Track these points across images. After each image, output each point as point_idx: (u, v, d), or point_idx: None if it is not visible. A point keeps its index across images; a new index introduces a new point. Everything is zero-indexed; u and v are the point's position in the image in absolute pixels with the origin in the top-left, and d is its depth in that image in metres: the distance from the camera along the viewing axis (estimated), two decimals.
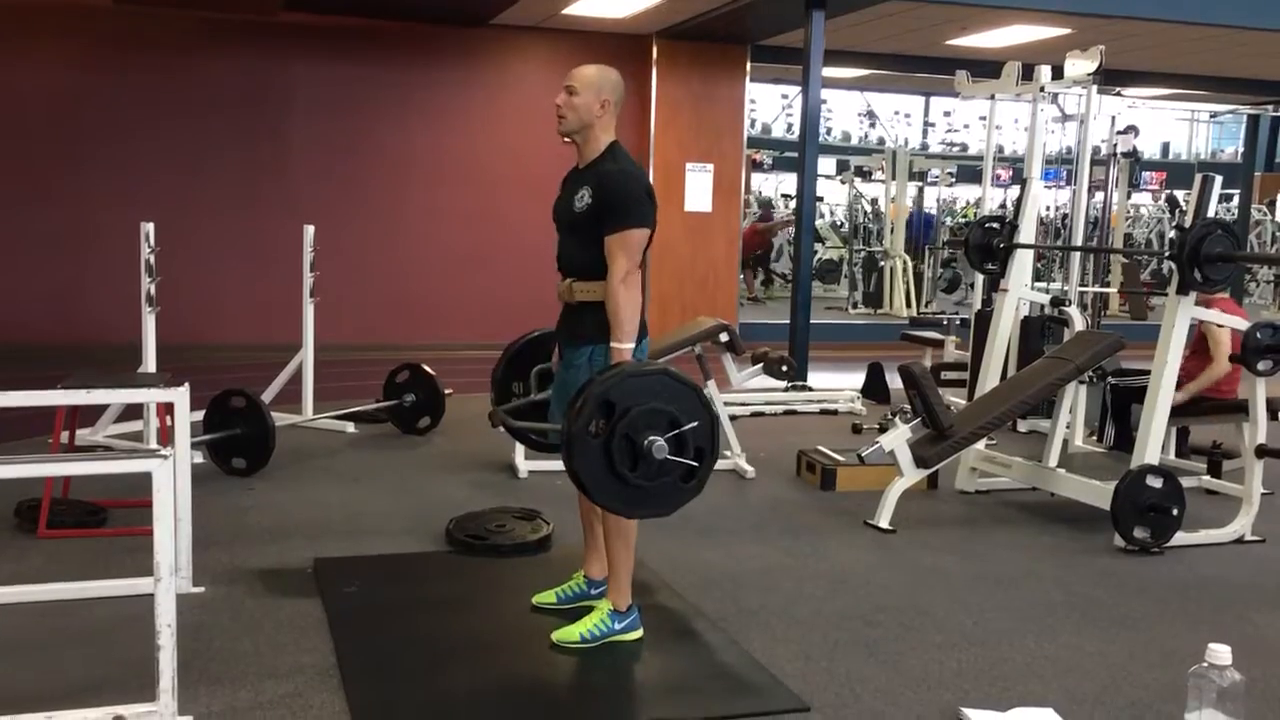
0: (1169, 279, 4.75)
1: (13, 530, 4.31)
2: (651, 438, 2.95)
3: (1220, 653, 2.75)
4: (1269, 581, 4.30)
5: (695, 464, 3.02)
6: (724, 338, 5.83)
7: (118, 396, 4.72)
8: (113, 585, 3.63)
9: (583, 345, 3.28)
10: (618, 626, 3.35)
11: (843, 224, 17.18)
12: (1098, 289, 7.55)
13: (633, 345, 3.15)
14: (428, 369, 6.44)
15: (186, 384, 3.82)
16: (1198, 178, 4.63)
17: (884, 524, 4.76)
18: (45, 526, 4.25)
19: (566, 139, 3.32)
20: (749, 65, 10.74)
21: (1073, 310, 6.24)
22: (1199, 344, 5.50)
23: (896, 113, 22.41)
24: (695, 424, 3.00)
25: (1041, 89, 6.78)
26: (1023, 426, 6.76)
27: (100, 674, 3.07)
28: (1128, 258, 13.57)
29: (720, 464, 5.62)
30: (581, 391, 2.99)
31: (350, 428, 6.39)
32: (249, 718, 2.85)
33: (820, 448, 5.77)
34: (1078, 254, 7.13)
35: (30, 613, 3.48)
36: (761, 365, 6.24)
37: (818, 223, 14.24)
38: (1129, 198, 15.22)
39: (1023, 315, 6.53)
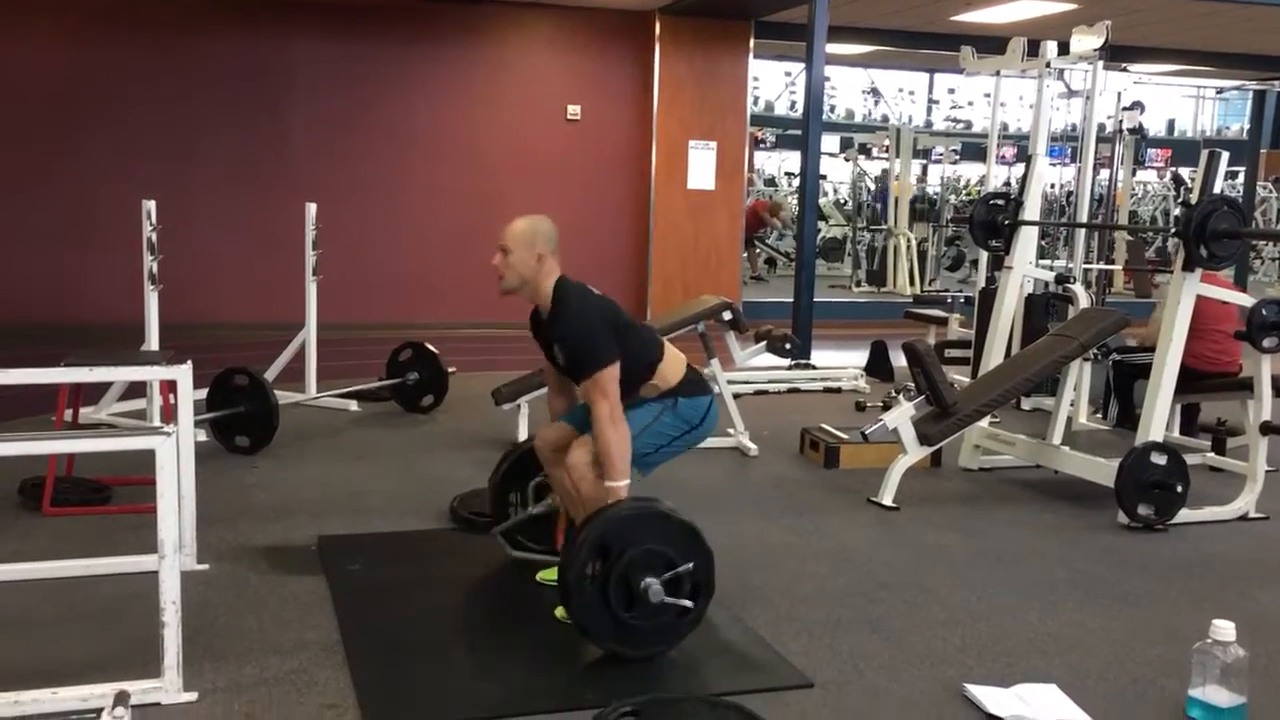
0: (1174, 256, 4.72)
1: (17, 508, 4.32)
2: (648, 580, 3.00)
3: (1224, 629, 2.76)
4: (1273, 558, 4.30)
5: (690, 605, 3.07)
6: (727, 316, 5.81)
7: (121, 374, 4.73)
8: (117, 562, 3.64)
9: (638, 407, 3.38)
10: None
11: (846, 202, 17.13)
12: (1102, 266, 7.52)
13: (627, 483, 3.20)
14: (431, 347, 6.44)
15: (189, 362, 3.83)
16: (1204, 154, 4.60)
17: (887, 501, 4.76)
18: (50, 504, 4.26)
19: (509, 294, 3.38)
20: (752, 42, 10.68)
21: (1077, 288, 6.22)
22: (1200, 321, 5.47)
23: (900, 90, 22.27)
24: (690, 565, 3.05)
25: (1047, 65, 6.73)
26: (1026, 404, 6.75)
27: (105, 651, 3.07)
28: (1133, 235, 13.52)
29: (723, 442, 5.67)
30: (578, 534, 3.05)
31: (353, 406, 6.39)
32: (253, 694, 2.85)
33: (824, 425, 5.77)
34: (1082, 231, 7.10)
35: (35, 590, 3.49)
36: (765, 343, 6.22)
37: (821, 200, 14.22)
38: (1134, 175, 15.15)
39: (1027, 293, 6.51)
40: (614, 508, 3.09)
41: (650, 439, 3.38)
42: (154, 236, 5.33)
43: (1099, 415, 6.26)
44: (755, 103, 16.12)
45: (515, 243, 3.30)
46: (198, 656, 2.99)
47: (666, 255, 10.62)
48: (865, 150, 15.49)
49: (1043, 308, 6.64)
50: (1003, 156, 14.59)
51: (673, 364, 3.48)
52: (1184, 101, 22.99)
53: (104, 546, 3.87)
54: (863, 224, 14.75)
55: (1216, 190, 4.55)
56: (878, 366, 7.84)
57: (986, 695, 2.93)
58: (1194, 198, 4.54)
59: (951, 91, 22.35)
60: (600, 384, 3.19)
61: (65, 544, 3.93)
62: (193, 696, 2.79)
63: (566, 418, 3.55)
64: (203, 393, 5.15)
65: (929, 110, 22.85)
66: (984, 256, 7.50)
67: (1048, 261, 7.62)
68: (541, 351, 3.51)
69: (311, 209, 6.41)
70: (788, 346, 6.27)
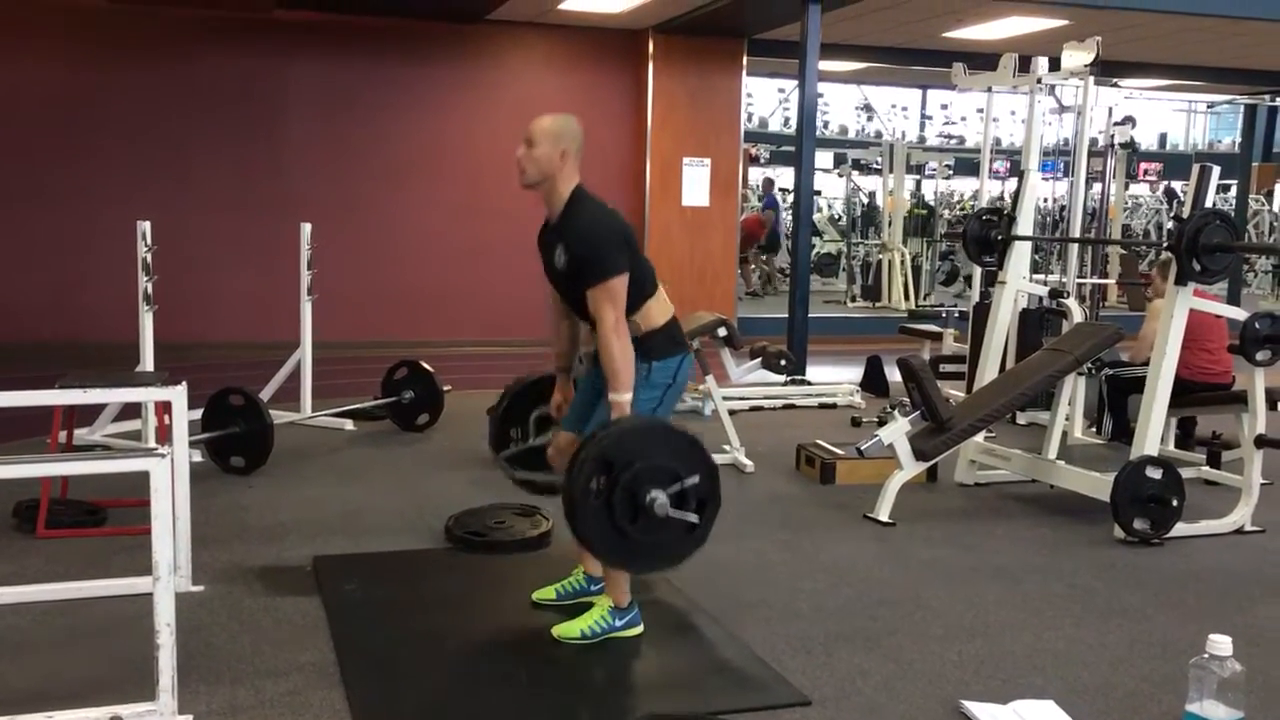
0: (1155, 279, 4.73)
1: (11, 530, 4.30)
2: (653, 494, 2.96)
3: (1221, 643, 2.75)
4: (1269, 572, 4.30)
5: (696, 520, 3.03)
6: (722, 332, 5.83)
7: (115, 395, 4.72)
8: (112, 585, 3.63)
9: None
10: (618, 623, 3.35)
11: (840, 217, 17.17)
12: (1096, 280, 7.54)
13: (630, 396, 3.15)
14: (426, 365, 6.44)
15: (184, 382, 3.82)
16: (1195, 168, 4.62)
17: (883, 517, 4.76)
18: (44, 526, 4.25)
19: (529, 189, 3.31)
20: (745, 59, 10.72)
21: (1071, 302, 6.23)
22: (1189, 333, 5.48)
23: (893, 106, 22.40)
24: (695, 479, 3.01)
25: (1038, 80, 6.76)
26: (1022, 419, 6.76)
27: (99, 674, 3.06)
28: (1126, 249, 13.56)
29: (719, 458, 5.64)
30: (581, 450, 3.00)
31: (349, 425, 6.38)
32: (249, 716, 2.84)
33: (819, 441, 5.77)
34: (1076, 245, 7.12)
35: (29, 613, 3.48)
36: (760, 359, 6.24)
37: (815, 216, 14.24)
38: (1126, 189, 15.20)
39: (1021, 307, 6.52)
40: (617, 422, 3.04)
41: None
42: (149, 257, 5.34)
43: (1094, 429, 6.27)
44: (749, 119, 16.17)
45: (541, 136, 3.25)
46: (192, 679, 2.98)
47: (661, 271, 10.29)
48: (860, 166, 15.55)
49: (1037, 322, 6.65)
50: (996, 171, 14.65)
51: (659, 306, 3.42)
52: (1175, 116, 23.14)
53: (98, 569, 3.87)
54: (857, 240, 14.74)
55: (1208, 204, 4.56)
56: (873, 382, 7.85)
57: (984, 711, 2.92)
58: (1186, 211, 4.56)
59: (944, 107, 22.49)
60: (610, 291, 3.15)
61: (59, 566, 3.92)
62: (187, 719, 2.78)
63: (573, 426, 3.50)
64: (198, 413, 5.14)
65: (922, 126, 22.97)
66: (978, 271, 7.52)
67: (1041, 276, 7.63)
68: (543, 262, 3.38)
69: (306, 228, 6.42)
70: (783, 362, 6.29)
